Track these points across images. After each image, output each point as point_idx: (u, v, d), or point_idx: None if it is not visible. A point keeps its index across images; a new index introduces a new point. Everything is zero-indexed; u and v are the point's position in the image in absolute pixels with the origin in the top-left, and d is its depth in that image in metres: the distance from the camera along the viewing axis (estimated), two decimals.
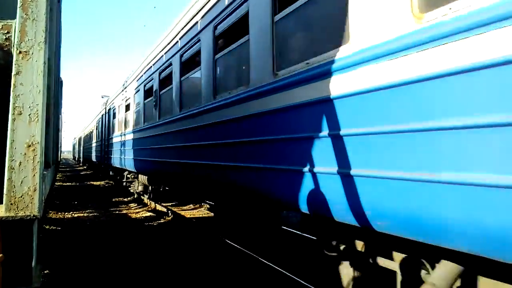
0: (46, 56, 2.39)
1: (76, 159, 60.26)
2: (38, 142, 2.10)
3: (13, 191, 2.02)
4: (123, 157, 14.10)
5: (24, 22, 2.34)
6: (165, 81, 8.89)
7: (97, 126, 25.06)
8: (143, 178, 12.60)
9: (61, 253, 6.52)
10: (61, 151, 27.22)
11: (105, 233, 8.28)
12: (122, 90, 14.95)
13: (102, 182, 22.73)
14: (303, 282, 4.85)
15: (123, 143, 14.25)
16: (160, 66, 9.13)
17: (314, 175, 3.60)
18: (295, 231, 7.74)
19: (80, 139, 47.26)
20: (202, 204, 12.25)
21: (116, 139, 16.02)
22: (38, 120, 2.14)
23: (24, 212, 2.00)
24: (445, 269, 2.73)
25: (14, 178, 2.02)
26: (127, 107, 13.93)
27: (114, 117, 16.91)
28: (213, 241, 7.33)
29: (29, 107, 2.16)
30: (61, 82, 12.74)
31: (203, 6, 6.34)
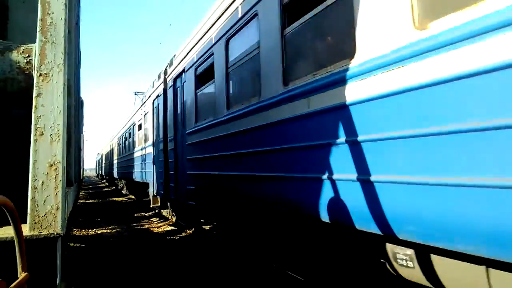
0: (66, 78, 2.45)
1: (100, 176, 58.92)
2: (59, 162, 2.15)
3: (36, 210, 2.07)
4: None
5: (44, 45, 2.41)
6: None
7: (140, 125, 16.54)
8: None
9: (86, 270, 6.60)
10: (83, 169, 27.44)
11: (128, 248, 8.36)
12: None
13: (124, 198, 23.01)
14: None
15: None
16: None
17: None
18: None
19: (104, 154, 43.66)
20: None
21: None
22: (59, 140, 2.19)
23: (48, 231, 2.04)
24: None
25: (37, 198, 2.07)
26: None
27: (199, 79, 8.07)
28: (234, 253, 7.30)
29: (50, 127, 2.21)
30: (82, 101, 13.07)
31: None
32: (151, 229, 11.26)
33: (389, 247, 3.34)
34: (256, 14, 5.07)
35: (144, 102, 15.68)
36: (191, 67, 8.44)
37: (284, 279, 5.51)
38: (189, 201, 8.76)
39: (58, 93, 2.31)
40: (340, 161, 3.47)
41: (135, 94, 23.38)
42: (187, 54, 8.90)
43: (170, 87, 10.48)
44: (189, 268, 6.51)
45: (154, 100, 13.02)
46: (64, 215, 2.16)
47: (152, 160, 13.21)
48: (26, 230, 2.05)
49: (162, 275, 6.12)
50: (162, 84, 11.47)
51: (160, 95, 11.80)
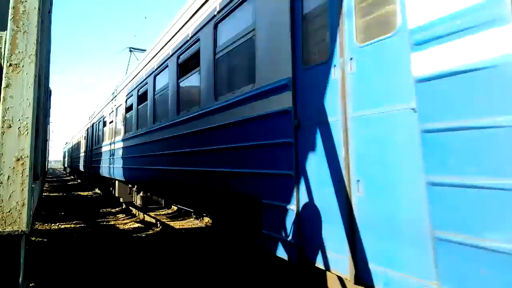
0: (37, 69, 2.37)
1: (69, 170, 48.76)
2: (27, 156, 2.08)
3: (0, 206, 1.99)
4: None
5: (15, 35, 2.32)
6: None
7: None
8: None
9: (47, 266, 6.39)
10: (48, 161, 26.37)
11: (92, 245, 8.15)
12: None
13: (90, 193, 22.44)
14: None
15: None
16: None
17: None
18: None
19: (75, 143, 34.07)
20: (192, 214, 12.14)
21: None
22: (27, 133, 2.12)
23: (12, 228, 1.96)
24: None
25: (2, 193, 1.99)
26: None
27: None
28: (203, 253, 7.26)
29: (19, 120, 2.14)
30: (50, 91, 12.60)
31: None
32: (117, 225, 11.02)
33: None
34: None
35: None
36: None
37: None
38: None
39: (28, 85, 2.24)
40: None
41: (130, 51, 18.10)
42: None
43: None
44: (154, 267, 6.42)
45: None
46: (30, 212, 2.09)
47: None
48: None
49: (125, 273, 6.00)
50: None
51: None
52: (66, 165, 55.75)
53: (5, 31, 2.43)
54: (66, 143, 57.47)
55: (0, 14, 2.88)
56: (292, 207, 3.86)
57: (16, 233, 1.97)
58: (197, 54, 6.55)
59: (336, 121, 3.40)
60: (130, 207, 13.61)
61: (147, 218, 11.54)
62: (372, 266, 2.98)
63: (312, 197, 3.68)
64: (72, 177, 42.13)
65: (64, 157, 62.62)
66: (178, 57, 7.46)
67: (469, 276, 2.24)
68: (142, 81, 10.06)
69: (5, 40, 2.40)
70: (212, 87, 5.83)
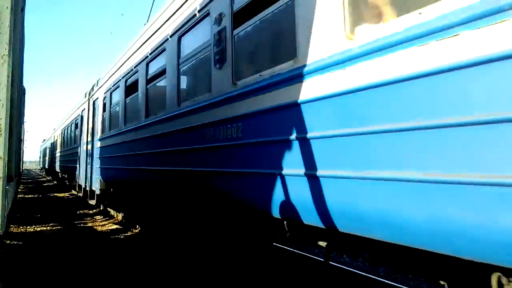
0: (10, 69, 2.34)
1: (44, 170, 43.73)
2: (1, 157, 2.05)
3: None
4: None
5: None
6: None
7: None
8: None
9: (22, 269, 6.26)
10: (23, 161, 25.57)
11: (69, 247, 8.02)
12: None
13: (66, 194, 22.01)
14: None
15: None
16: None
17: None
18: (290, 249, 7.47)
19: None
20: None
21: None
22: (1, 135, 2.09)
23: None
24: None
25: None
26: None
27: None
28: (183, 254, 7.24)
29: None
30: (24, 90, 12.27)
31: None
32: (95, 227, 10.87)
33: None
34: None
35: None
36: None
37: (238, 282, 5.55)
38: None
39: (1, 85, 2.20)
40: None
41: None
42: None
43: None
44: (132, 270, 6.37)
45: None
46: (4, 214, 2.07)
47: None
48: None
49: (103, 275, 5.94)
50: None
51: None
52: (42, 166, 50.35)
53: None
54: (44, 140, 50.42)
55: None
56: None
57: None
58: None
59: None
60: (108, 209, 13.42)
61: (126, 220, 11.41)
62: None
63: None
64: (49, 178, 41.16)
65: (40, 157, 56.43)
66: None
67: None
68: None
69: None
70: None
